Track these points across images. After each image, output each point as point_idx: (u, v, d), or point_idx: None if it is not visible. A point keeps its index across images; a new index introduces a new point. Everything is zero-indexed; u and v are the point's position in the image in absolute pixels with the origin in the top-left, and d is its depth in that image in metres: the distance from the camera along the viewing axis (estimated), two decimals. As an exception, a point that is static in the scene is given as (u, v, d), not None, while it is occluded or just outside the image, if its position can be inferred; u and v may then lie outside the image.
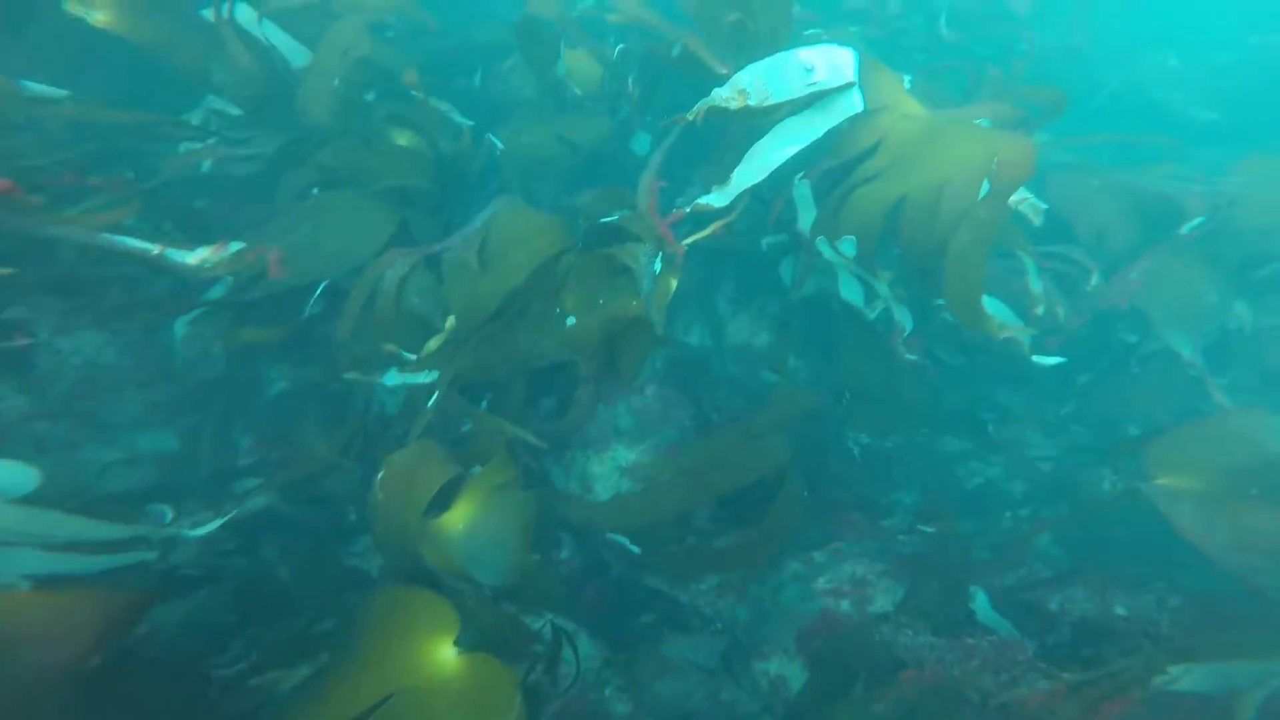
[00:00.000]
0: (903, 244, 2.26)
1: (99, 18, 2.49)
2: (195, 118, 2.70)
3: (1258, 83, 4.66)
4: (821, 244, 2.46)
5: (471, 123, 3.09)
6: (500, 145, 3.19)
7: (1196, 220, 2.52)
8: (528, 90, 3.50)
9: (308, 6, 2.79)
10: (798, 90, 2.40)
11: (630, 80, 3.15)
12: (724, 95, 2.42)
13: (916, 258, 2.26)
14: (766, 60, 2.45)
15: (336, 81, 2.59)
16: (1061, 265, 2.60)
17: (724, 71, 2.50)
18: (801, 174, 2.53)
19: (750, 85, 2.42)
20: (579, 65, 3.47)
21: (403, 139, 2.93)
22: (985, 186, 2.14)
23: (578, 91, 3.31)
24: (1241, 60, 4.92)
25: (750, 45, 2.72)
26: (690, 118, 2.46)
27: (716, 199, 2.51)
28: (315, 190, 2.51)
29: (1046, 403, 3.22)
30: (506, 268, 2.34)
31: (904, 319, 2.57)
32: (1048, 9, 4.19)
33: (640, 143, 3.49)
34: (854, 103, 2.45)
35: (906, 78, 3.12)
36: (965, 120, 2.50)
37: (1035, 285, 2.44)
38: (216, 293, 2.37)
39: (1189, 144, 4.49)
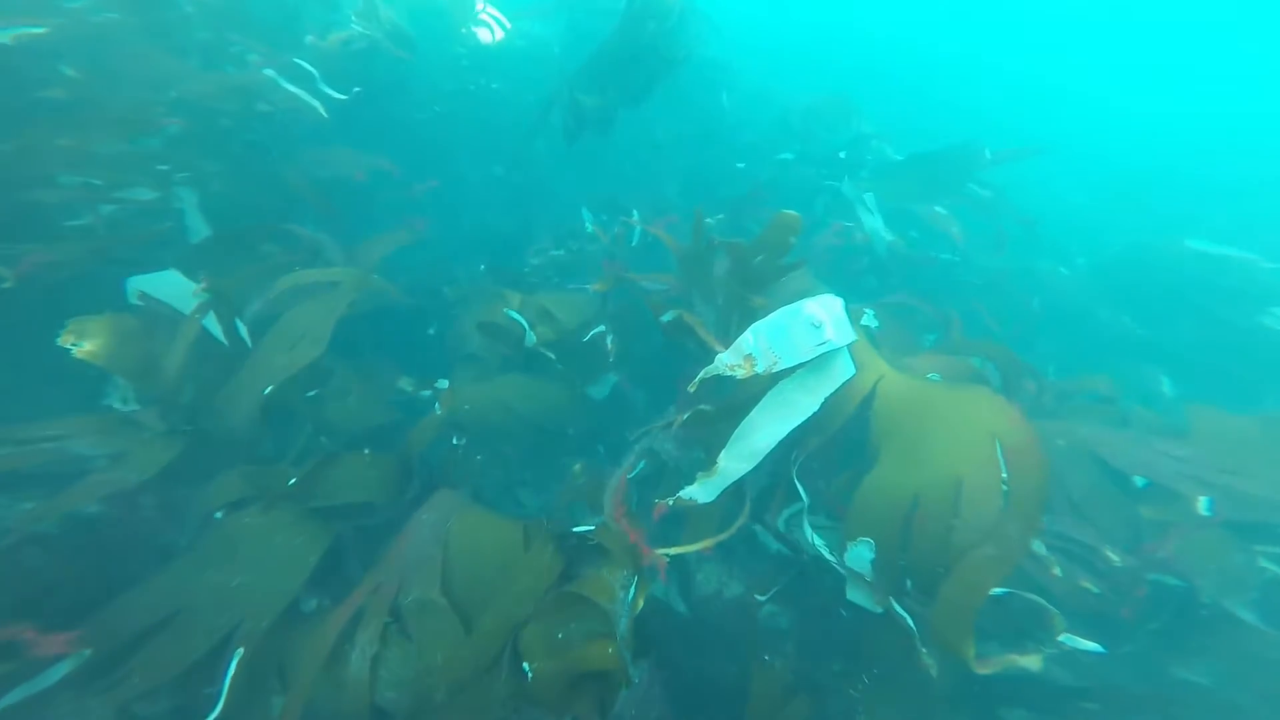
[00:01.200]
0: (913, 548, 1.99)
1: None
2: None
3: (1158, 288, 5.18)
4: (822, 544, 2.15)
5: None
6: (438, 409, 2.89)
7: (1205, 500, 2.47)
8: (473, 342, 3.30)
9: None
10: (807, 352, 2.16)
11: (608, 339, 2.97)
12: (728, 363, 2.14)
13: (923, 561, 1.99)
14: (772, 318, 2.22)
15: (269, 389, 2.23)
16: (1067, 544, 2.40)
17: (720, 349, 2.30)
18: (794, 456, 2.28)
19: (756, 350, 2.15)
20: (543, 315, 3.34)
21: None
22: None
23: (544, 350, 3.06)
24: (1120, 262, 5.51)
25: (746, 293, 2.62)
26: (690, 390, 2.21)
27: (702, 493, 2.22)
28: (220, 515, 2.02)
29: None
30: (487, 621, 1.90)
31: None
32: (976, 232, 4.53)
33: (601, 387, 3.28)
34: (849, 363, 2.31)
35: (869, 311, 3.15)
36: (951, 386, 2.40)
37: (1057, 571, 2.21)
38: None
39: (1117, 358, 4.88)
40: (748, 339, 2.18)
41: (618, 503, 2.07)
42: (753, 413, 2.23)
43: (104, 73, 3.20)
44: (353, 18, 4.17)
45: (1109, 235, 6.78)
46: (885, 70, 10.15)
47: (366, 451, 2.38)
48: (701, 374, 2.16)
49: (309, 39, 3.98)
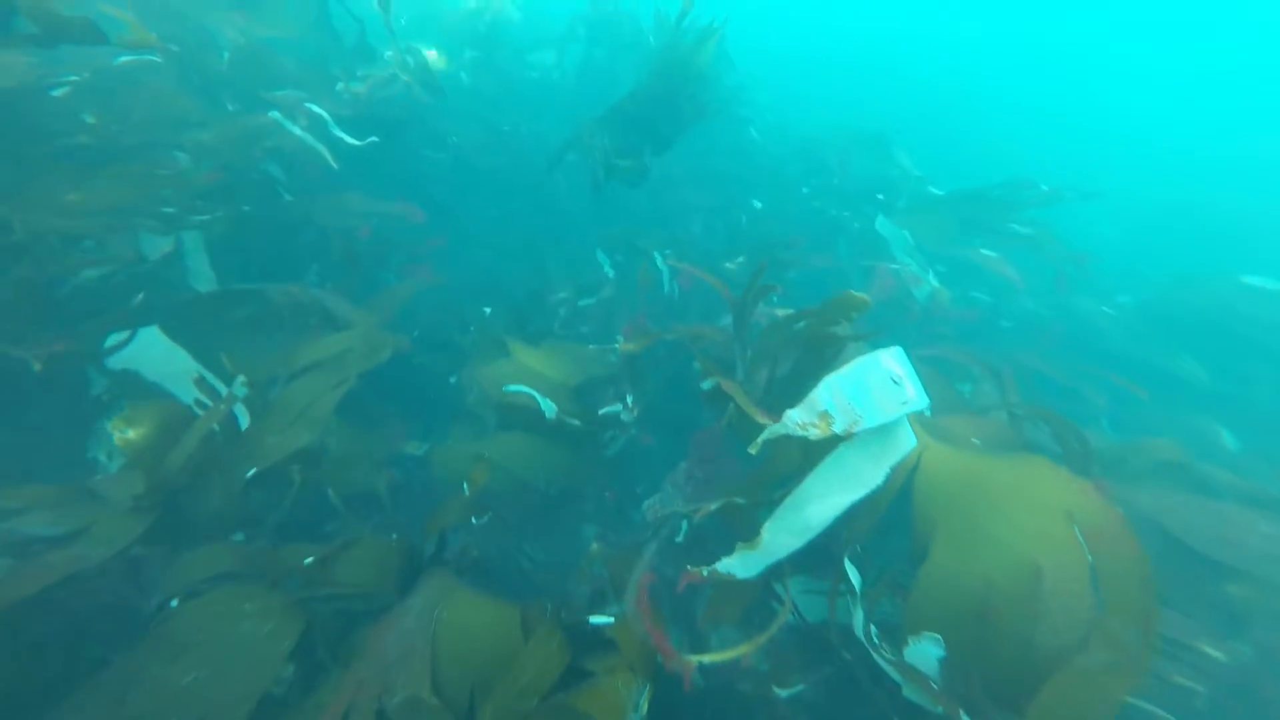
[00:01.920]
0: (991, 648, 1.70)
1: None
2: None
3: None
4: (877, 644, 1.86)
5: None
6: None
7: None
8: (471, 396, 3.10)
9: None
10: (890, 411, 1.88)
11: (628, 398, 2.74)
12: (800, 422, 1.82)
13: (1003, 663, 1.69)
14: (848, 370, 1.92)
15: (251, 472, 2.04)
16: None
17: (766, 421, 2.03)
18: (845, 535, 2.00)
19: (833, 406, 1.85)
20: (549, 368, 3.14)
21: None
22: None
23: (566, 419, 2.82)
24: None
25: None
26: (752, 451, 1.94)
27: (741, 567, 1.95)
28: (176, 602, 1.79)
29: None
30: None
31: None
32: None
33: (613, 445, 3.04)
34: (909, 430, 2.03)
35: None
36: (1006, 458, 2.12)
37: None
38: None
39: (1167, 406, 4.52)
40: (822, 395, 1.89)
41: (643, 599, 1.80)
42: (807, 482, 1.94)
43: (123, 119, 3.14)
44: (386, 61, 4.12)
45: (1150, 272, 6.45)
46: (906, 104, 10.03)
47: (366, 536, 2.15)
48: (767, 433, 1.88)
49: (339, 86, 3.92)
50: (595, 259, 4.32)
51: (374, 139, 3.54)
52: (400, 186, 4.07)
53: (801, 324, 2.28)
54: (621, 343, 2.76)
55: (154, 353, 2.42)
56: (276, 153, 3.33)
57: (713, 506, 1.94)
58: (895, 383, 1.89)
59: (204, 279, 3.22)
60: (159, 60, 3.34)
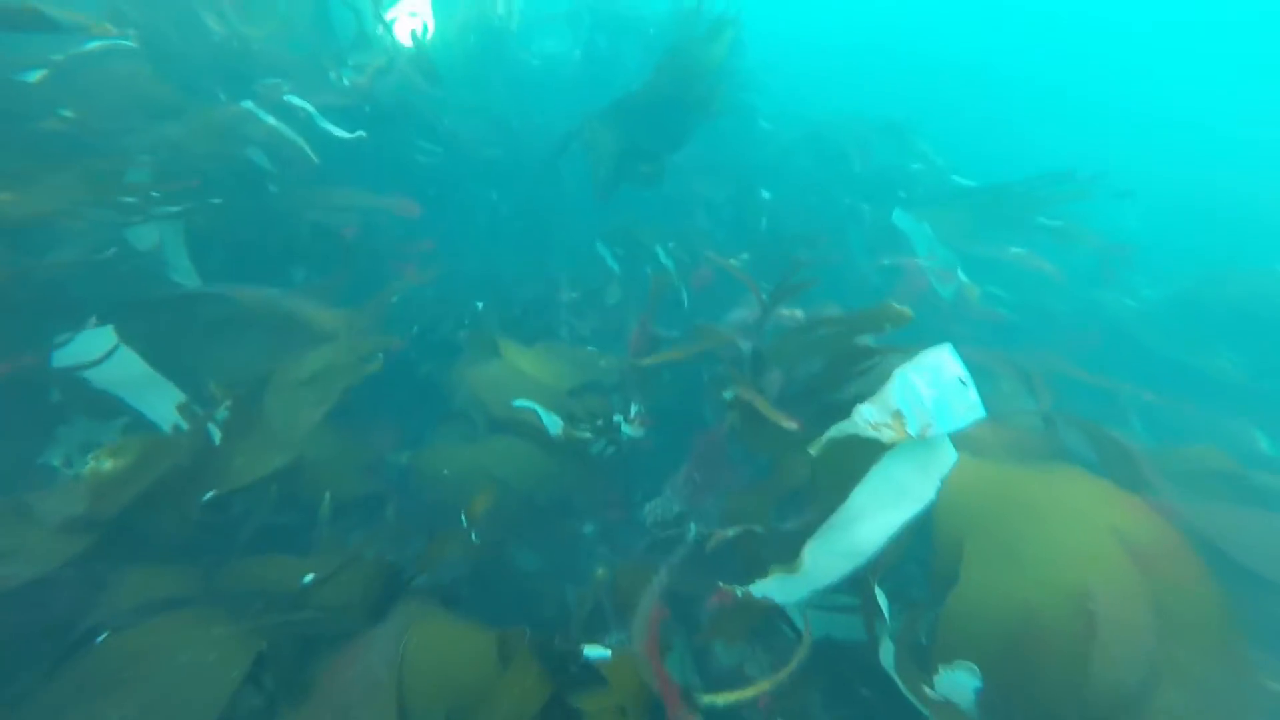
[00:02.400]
0: (1035, 680, 1.49)
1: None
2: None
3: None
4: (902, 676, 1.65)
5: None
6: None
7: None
8: (460, 397, 2.91)
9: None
10: (959, 416, 1.69)
11: (631, 409, 2.55)
12: (872, 422, 1.64)
13: (1052, 698, 1.48)
14: (919, 360, 1.73)
15: (208, 495, 1.86)
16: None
17: (789, 424, 1.83)
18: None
19: (906, 405, 1.66)
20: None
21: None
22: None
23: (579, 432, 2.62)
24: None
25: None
26: (812, 452, 1.75)
27: (780, 592, 1.73)
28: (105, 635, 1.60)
29: None
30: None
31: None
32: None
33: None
34: (948, 443, 1.80)
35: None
36: (1041, 470, 1.90)
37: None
38: None
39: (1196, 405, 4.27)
40: (897, 392, 1.68)
41: (652, 639, 1.60)
42: (854, 495, 1.72)
43: (94, 106, 2.98)
44: (382, 48, 3.93)
45: (1177, 264, 6.14)
46: (920, 88, 9.72)
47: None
48: (833, 432, 1.70)
49: (331, 75, 3.74)
50: (597, 253, 4.12)
51: (362, 133, 3.35)
52: (395, 179, 3.89)
53: (826, 330, 2.08)
54: (627, 356, 2.56)
55: (108, 358, 2.24)
56: (263, 144, 3.15)
57: (729, 533, 1.74)
58: (963, 384, 1.68)
59: (183, 273, 3.06)
60: (133, 46, 3.16)
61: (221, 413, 2.17)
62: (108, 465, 1.88)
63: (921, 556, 1.75)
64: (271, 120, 3.04)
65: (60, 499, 1.74)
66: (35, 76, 2.84)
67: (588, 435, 2.46)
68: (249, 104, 3.08)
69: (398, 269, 3.45)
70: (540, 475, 2.52)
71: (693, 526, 2.18)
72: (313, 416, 2.31)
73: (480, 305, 3.53)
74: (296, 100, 3.19)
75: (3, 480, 2.09)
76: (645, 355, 2.70)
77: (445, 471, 2.67)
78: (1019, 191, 3.79)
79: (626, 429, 2.45)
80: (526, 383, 2.88)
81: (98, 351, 2.23)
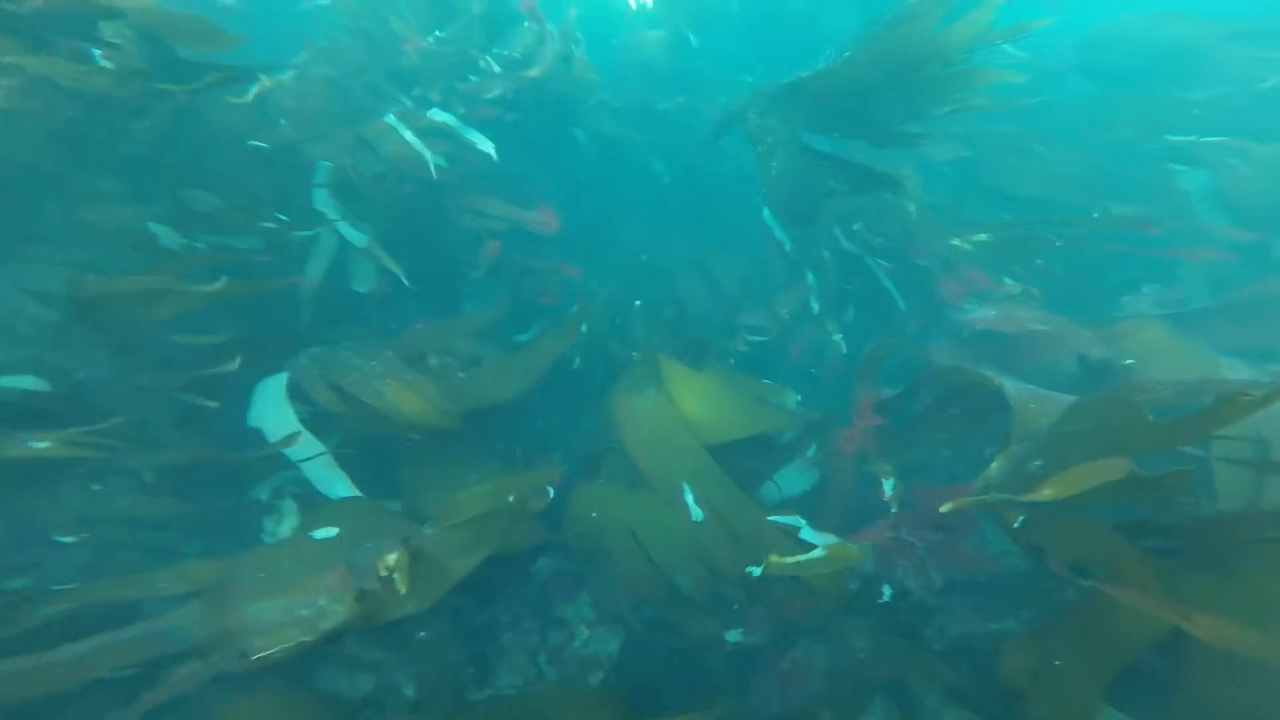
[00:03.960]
0: None
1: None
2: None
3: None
4: None
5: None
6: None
7: None
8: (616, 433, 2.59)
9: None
10: None
11: None
12: None
13: None
14: None
15: None
16: None
17: None
18: None
19: None
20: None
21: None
22: None
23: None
24: None
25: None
26: None
27: None
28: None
29: None
30: None
31: None
32: None
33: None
34: None
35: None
36: None
37: None
38: None
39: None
40: None
41: None
42: None
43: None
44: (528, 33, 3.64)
45: None
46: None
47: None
48: None
49: (482, 63, 3.54)
50: (776, 242, 3.46)
51: (491, 149, 3.06)
52: (547, 177, 3.63)
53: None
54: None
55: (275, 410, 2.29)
56: (409, 158, 3.05)
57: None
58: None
59: (365, 281, 3.09)
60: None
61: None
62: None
63: None
64: (409, 135, 2.91)
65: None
66: (250, 94, 2.94)
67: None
68: (390, 118, 2.97)
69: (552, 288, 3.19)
70: (682, 556, 2.14)
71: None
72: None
73: (638, 304, 3.16)
74: (439, 115, 3.03)
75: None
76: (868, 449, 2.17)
77: (594, 515, 2.44)
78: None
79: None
80: (681, 431, 2.46)
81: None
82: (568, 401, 3.01)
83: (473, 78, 3.42)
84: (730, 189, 3.92)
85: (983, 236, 2.90)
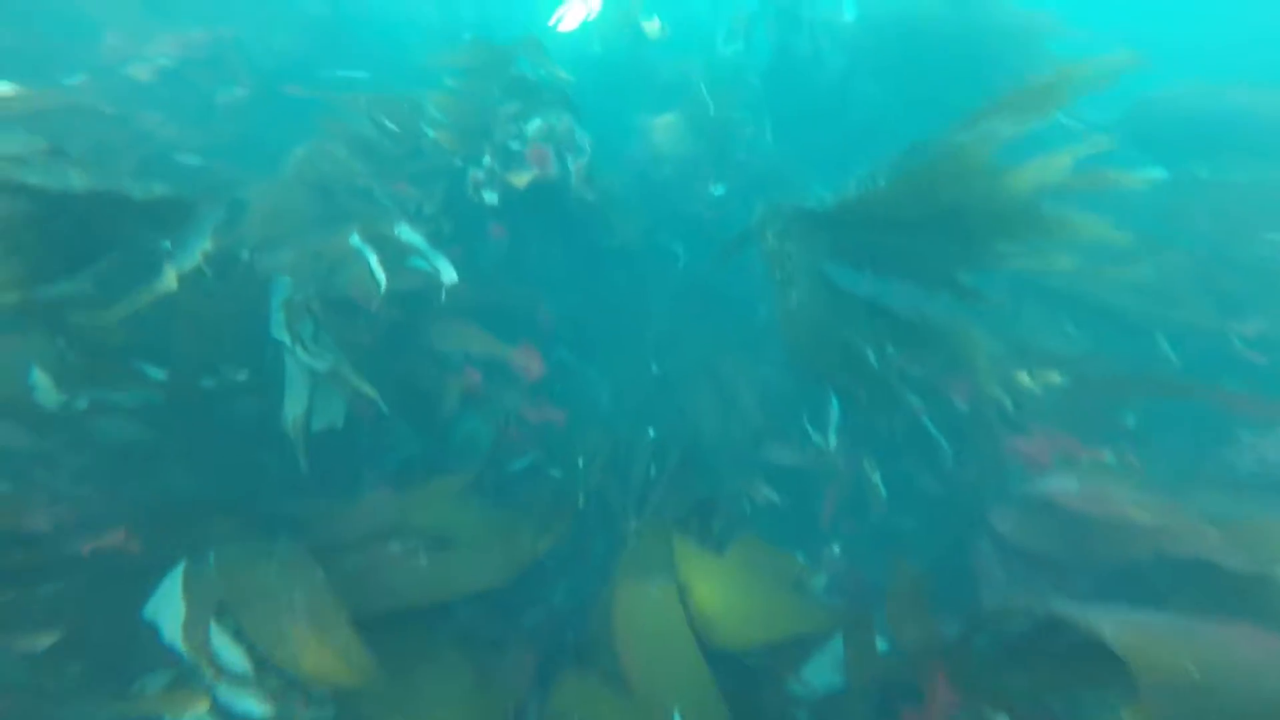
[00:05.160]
0: None
1: None
2: None
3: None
4: None
5: None
6: None
7: None
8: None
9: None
10: None
11: None
12: None
13: None
14: None
15: None
16: None
17: None
18: None
19: None
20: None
21: None
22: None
23: None
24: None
25: None
26: None
27: None
28: None
29: None
30: None
31: None
32: None
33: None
34: None
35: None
36: None
37: None
38: None
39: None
40: None
41: None
42: None
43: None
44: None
45: None
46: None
47: None
48: None
49: (473, 174, 3.16)
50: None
51: (453, 277, 2.66)
52: (551, 282, 3.24)
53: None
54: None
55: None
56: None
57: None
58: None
59: (329, 414, 2.70)
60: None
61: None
62: None
63: None
64: (373, 262, 2.53)
65: None
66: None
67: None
68: (355, 239, 2.59)
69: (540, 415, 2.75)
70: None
71: None
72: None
73: (653, 472, 2.70)
74: (407, 234, 2.65)
75: None
76: None
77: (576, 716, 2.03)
78: None
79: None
80: (683, 640, 2.01)
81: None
82: (556, 582, 2.55)
83: (477, 173, 3.08)
84: (753, 282, 3.50)
85: (1056, 376, 2.39)
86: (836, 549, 2.72)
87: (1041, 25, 4.00)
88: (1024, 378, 2.46)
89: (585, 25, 5.13)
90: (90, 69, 3.69)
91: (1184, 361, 2.69)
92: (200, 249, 2.12)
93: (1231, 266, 2.91)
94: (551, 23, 5.16)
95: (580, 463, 2.85)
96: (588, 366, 3.51)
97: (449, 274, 2.56)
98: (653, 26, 4.71)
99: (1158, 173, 3.84)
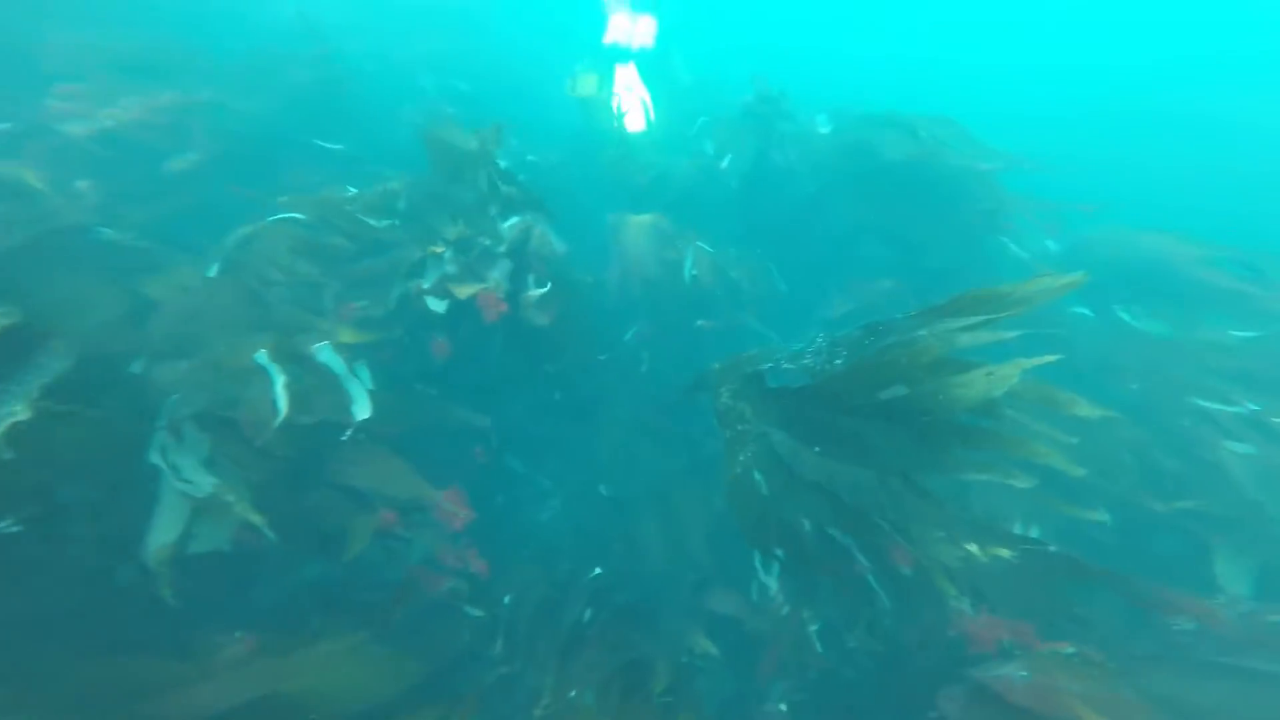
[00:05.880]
0: None
1: None
2: None
3: None
4: None
5: None
6: None
7: None
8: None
9: None
10: None
11: None
12: None
13: None
14: None
15: None
16: None
17: None
18: None
19: None
20: None
21: None
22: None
23: None
24: None
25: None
26: None
27: None
28: None
29: None
30: None
31: None
32: None
33: None
34: None
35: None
36: None
37: None
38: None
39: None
40: None
41: None
42: None
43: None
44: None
45: None
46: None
47: None
48: None
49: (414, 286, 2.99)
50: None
51: (366, 411, 2.48)
52: (502, 400, 3.10)
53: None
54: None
55: None
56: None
57: None
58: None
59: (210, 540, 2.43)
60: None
61: None
62: None
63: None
64: (279, 385, 2.35)
65: None
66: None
67: None
68: (261, 357, 2.40)
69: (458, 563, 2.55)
70: None
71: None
72: None
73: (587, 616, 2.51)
74: (325, 354, 2.48)
75: None
76: None
77: None
78: None
79: None
80: None
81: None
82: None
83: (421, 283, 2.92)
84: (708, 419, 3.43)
85: (1005, 552, 2.35)
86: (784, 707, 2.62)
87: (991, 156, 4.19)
88: (974, 549, 2.42)
89: (577, 102, 5.14)
90: (22, 123, 3.43)
91: (1120, 536, 2.72)
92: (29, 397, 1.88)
93: (1164, 437, 3.00)
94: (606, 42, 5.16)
95: (506, 600, 2.68)
96: (538, 476, 3.36)
97: (362, 408, 2.39)
98: (637, 122, 4.74)
99: (1084, 312, 4.03)
